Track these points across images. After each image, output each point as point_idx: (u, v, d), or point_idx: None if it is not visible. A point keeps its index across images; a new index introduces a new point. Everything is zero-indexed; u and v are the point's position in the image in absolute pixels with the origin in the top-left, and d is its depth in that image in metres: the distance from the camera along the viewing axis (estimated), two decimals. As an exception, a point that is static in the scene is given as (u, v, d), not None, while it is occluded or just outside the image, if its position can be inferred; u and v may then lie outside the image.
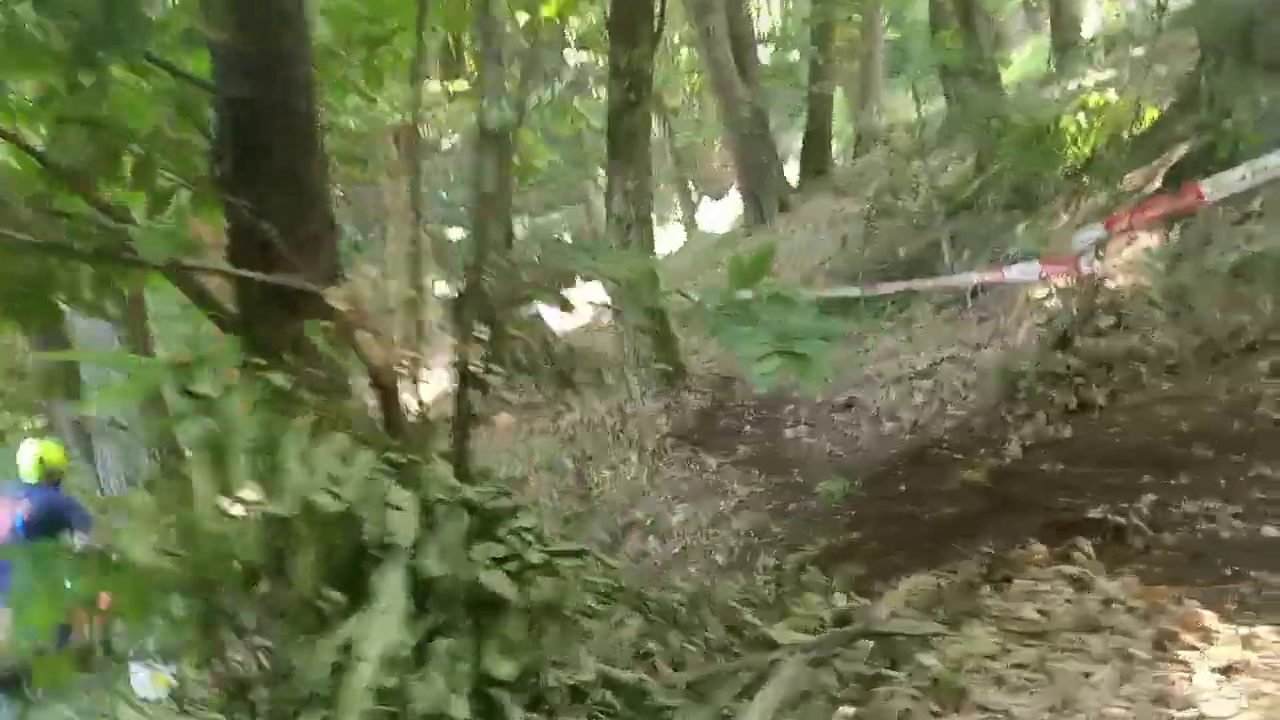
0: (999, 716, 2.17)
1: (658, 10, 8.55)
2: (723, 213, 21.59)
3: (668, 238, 23.93)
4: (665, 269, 17.06)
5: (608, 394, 8.96)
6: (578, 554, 2.67)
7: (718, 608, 3.25)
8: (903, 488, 5.46)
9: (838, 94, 23.45)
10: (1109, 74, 11.48)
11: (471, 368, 2.72)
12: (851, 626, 2.81)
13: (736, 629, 3.14)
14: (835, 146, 18.82)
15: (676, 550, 6.17)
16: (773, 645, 2.95)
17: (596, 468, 7.74)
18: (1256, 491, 3.87)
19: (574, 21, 11.64)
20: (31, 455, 5.59)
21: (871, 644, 2.71)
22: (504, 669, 2.32)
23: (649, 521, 6.64)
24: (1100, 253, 6.32)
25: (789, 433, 7.19)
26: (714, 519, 6.28)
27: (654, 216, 8.97)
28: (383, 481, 2.35)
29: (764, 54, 20.19)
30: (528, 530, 2.49)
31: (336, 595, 2.19)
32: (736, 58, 14.74)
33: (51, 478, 5.60)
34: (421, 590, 2.27)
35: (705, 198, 25.08)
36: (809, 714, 2.46)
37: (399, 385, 2.70)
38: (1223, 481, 4.04)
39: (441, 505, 2.40)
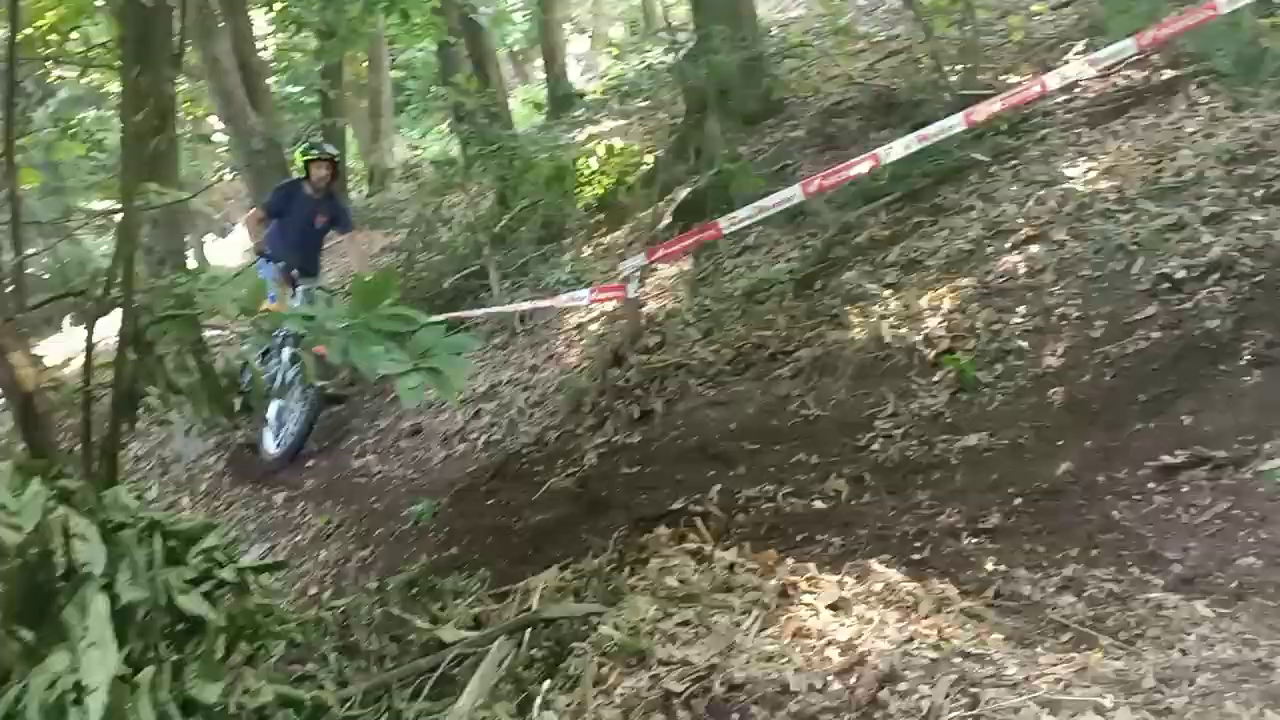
0: (680, 667, 2.51)
1: (178, 28, 8.17)
2: (232, 248, 20.06)
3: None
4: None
5: (142, 436, 8.27)
6: (272, 568, 2.61)
7: (374, 619, 3.29)
8: (491, 502, 5.72)
9: (349, 130, 23.54)
10: (612, 124, 12.84)
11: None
12: (520, 616, 3.02)
13: (397, 638, 3.20)
14: (350, 181, 18.97)
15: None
16: (441, 645, 3.08)
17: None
18: (799, 474, 4.64)
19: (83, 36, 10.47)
20: None
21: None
22: (208, 693, 2.24)
23: (221, 561, 6.25)
24: (642, 280, 7.10)
25: (356, 463, 7.16)
26: (293, 552, 6.10)
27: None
28: (59, 509, 2.17)
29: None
30: (216, 549, 2.41)
31: (26, 633, 1.99)
32: (248, 88, 14.28)
33: None
34: (117, 618, 2.12)
35: (210, 236, 23.25)
36: (500, 694, 2.65)
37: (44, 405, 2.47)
38: (772, 468, 4.80)
39: (126, 530, 2.25)
